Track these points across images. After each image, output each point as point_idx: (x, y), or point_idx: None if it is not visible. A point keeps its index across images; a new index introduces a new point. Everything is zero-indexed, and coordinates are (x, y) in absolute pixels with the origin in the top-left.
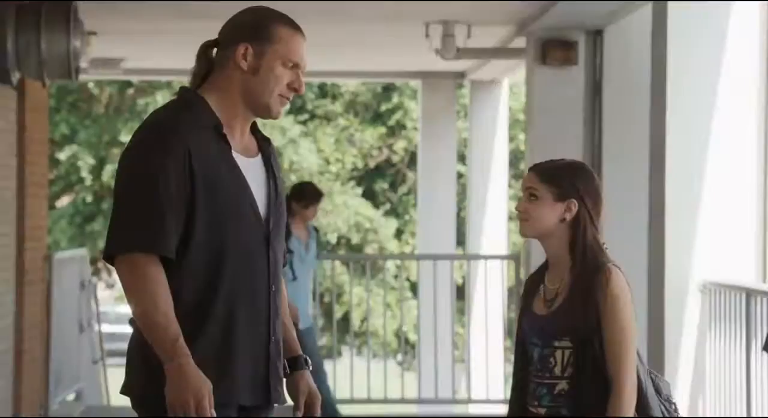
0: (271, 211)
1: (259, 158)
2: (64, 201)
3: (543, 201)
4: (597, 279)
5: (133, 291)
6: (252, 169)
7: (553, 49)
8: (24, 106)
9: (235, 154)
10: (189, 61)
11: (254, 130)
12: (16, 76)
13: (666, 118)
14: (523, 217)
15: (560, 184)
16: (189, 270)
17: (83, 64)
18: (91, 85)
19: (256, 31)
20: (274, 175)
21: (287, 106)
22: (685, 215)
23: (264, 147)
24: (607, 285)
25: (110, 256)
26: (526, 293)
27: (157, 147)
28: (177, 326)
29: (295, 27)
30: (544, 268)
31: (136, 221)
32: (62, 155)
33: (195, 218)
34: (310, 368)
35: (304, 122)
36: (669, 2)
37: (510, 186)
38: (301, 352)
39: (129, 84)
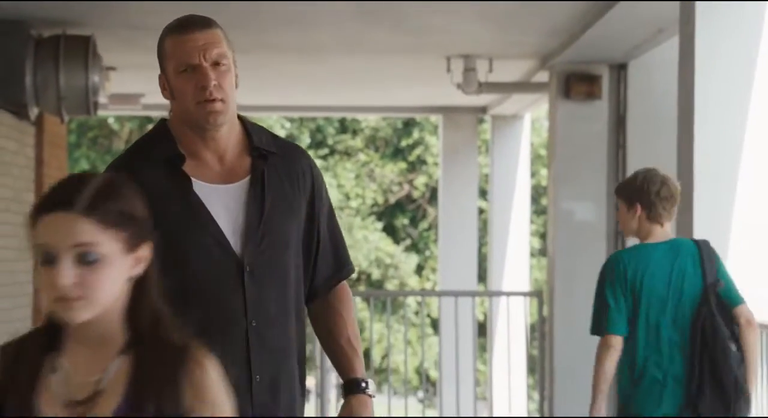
0: (250, 238)
1: (244, 182)
2: None
3: (107, 260)
4: (187, 366)
5: None
6: (226, 196)
7: (577, 83)
8: (42, 141)
9: (200, 184)
10: None
11: (256, 148)
12: (34, 112)
13: (694, 152)
14: (75, 294)
15: (128, 223)
16: None
17: (102, 100)
18: (111, 120)
19: (159, 58)
20: (263, 196)
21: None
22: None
23: (257, 165)
24: (206, 374)
25: None
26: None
27: None
28: None
29: (178, 29)
30: (45, 343)
31: None
32: None
33: None
34: (369, 393)
35: (324, 157)
36: (696, 32)
37: (532, 222)
38: (357, 375)
39: (149, 120)
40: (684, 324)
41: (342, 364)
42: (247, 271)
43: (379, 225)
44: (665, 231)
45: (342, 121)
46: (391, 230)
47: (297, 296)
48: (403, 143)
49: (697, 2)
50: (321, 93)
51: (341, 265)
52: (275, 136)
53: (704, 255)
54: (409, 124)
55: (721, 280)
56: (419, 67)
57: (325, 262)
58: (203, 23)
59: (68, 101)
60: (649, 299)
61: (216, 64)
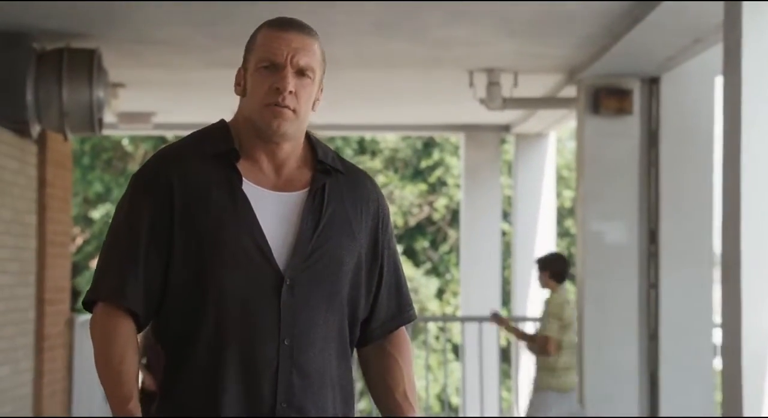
0: (297, 250)
1: (301, 193)
2: None
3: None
4: None
5: (93, 341)
6: (278, 204)
7: (607, 98)
8: (45, 160)
9: (251, 186)
10: (220, 114)
11: (319, 161)
12: (36, 129)
13: (741, 168)
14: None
15: None
16: (171, 317)
17: (111, 118)
18: (125, 142)
19: (246, 50)
20: (321, 210)
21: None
22: (763, 270)
23: (318, 179)
24: None
25: (84, 304)
26: None
27: (137, 189)
28: (130, 386)
29: (276, 24)
30: None
31: (103, 269)
32: (96, 214)
33: (173, 261)
34: None
35: None
36: (743, 37)
37: (557, 245)
38: None
39: (163, 140)
40: None
41: (392, 408)
42: (287, 284)
43: (399, 248)
44: None
45: (361, 142)
46: (411, 253)
47: (343, 324)
48: (423, 164)
49: (744, 2)
50: (337, 110)
51: (403, 308)
52: (342, 158)
53: None
54: (429, 145)
55: None
56: (440, 82)
57: (386, 302)
58: (304, 28)
59: (72, 118)
60: None
61: (301, 73)
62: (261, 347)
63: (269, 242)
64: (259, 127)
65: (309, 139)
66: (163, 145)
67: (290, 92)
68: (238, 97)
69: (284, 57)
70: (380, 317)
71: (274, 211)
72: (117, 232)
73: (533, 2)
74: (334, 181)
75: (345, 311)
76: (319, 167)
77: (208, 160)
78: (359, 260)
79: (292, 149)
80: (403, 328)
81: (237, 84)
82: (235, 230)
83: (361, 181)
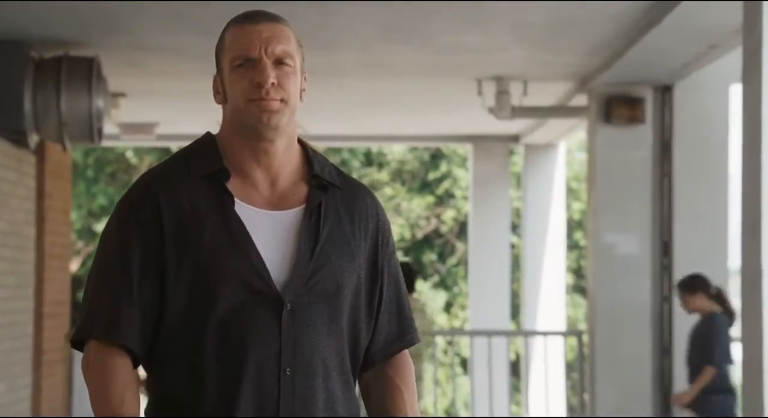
0: (297, 273)
1: (296, 210)
2: None
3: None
4: None
5: (87, 383)
6: (273, 223)
7: (618, 107)
8: (44, 171)
9: (243, 206)
10: None
11: (315, 176)
12: (34, 139)
13: (762, 178)
14: None
15: None
16: (169, 353)
17: (114, 130)
18: (129, 154)
19: (216, 54)
20: (318, 229)
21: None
22: None
23: (314, 196)
24: None
25: (73, 343)
26: None
27: (124, 216)
28: None
29: (242, 19)
30: None
31: (93, 304)
32: (100, 227)
33: (167, 292)
34: None
35: None
36: (764, 39)
37: (566, 258)
38: None
39: (168, 152)
40: None
41: None
42: (287, 309)
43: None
44: None
45: (367, 154)
46: (418, 266)
47: (345, 349)
48: (431, 176)
49: (765, 1)
50: (343, 121)
51: (405, 330)
52: (340, 171)
53: None
54: (436, 157)
55: None
56: (448, 91)
57: (387, 324)
58: (273, 17)
59: (70, 128)
60: None
61: (279, 62)
62: (264, 377)
63: (267, 265)
64: (249, 125)
65: (306, 150)
66: (149, 168)
67: (273, 84)
68: None
69: (258, 49)
70: (381, 340)
71: (269, 231)
72: (105, 263)
73: (543, 9)
74: (331, 197)
75: (346, 335)
76: (314, 183)
77: (196, 182)
78: (359, 280)
79: (285, 154)
80: (406, 351)
81: (216, 92)
82: (231, 254)
83: (359, 196)
